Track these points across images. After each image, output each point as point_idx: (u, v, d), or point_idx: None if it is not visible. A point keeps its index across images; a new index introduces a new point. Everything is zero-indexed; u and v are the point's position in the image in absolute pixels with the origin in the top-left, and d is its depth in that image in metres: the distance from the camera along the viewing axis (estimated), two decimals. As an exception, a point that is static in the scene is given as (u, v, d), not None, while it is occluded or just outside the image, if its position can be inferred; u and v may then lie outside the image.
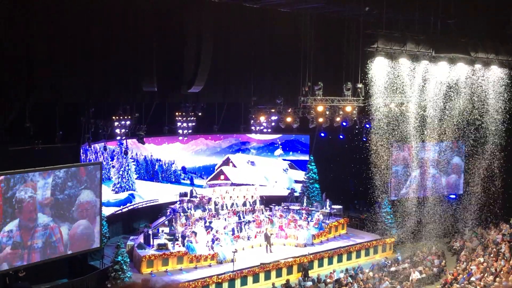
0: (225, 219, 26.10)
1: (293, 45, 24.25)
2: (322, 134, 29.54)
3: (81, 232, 18.85)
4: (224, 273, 22.10)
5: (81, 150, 22.61)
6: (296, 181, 31.70)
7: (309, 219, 27.40)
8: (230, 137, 30.91)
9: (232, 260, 22.68)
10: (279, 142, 31.79)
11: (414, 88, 23.98)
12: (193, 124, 26.98)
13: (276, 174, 31.84)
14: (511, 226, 26.64)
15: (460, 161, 30.46)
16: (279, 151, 31.85)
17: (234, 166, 30.97)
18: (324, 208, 28.30)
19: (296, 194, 30.79)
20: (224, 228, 25.16)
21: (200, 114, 27.24)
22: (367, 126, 26.98)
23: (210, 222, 25.52)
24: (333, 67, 24.44)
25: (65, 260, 21.03)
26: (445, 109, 26.01)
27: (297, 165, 31.94)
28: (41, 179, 17.77)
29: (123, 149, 25.36)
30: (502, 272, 22.01)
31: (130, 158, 26.79)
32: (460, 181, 30.67)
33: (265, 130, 28.75)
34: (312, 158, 30.85)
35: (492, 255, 24.04)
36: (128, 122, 23.24)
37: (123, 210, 26.57)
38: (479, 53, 23.32)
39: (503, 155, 27.97)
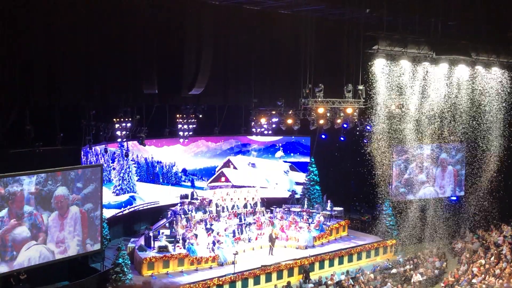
0: (226, 221, 26.08)
1: (293, 47, 24.24)
2: (323, 136, 29.53)
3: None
4: (225, 275, 22.08)
5: (82, 152, 22.62)
6: (297, 183, 31.69)
7: (310, 221, 27.36)
8: (230, 139, 30.89)
9: (233, 262, 22.67)
10: (280, 144, 31.78)
11: (414, 90, 24.00)
12: (194, 126, 26.94)
13: (277, 176, 31.83)
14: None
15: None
16: (280, 153, 31.83)
17: (235, 168, 30.96)
18: (325, 210, 28.28)
19: (297, 196, 30.78)
20: (225, 230, 25.15)
21: (200, 116, 27.20)
22: (368, 127, 26.97)
23: (211, 224, 25.52)
24: (334, 69, 24.41)
25: (65, 263, 21.04)
26: (446, 111, 26.02)
27: (298, 167, 31.92)
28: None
29: (124, 151, 25.37)
30: (503, 274, 21.98)
31: (131, 160, 26.79)
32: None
33: (265, 132, 28.73)
34: (313, 160, 30.83)
35: (493, 257, 24.00)
36: (128, 124, 23.24)
37: (124, 212, 26.57)
38: (480, 54, 23.35)
39: (505, 157, 27.97)
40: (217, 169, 30.60)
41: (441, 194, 30.37)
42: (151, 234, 23.96)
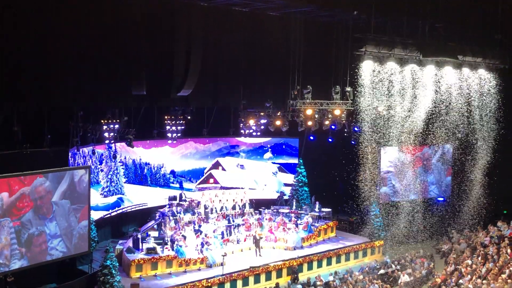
0: (215, 222, 26.06)
1: (282, 48, 24.30)
2: (311, 138, 29.64)
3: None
4: (213, 277, 22.06)
5: (70, 154, 22.49)
6: (286, 184, 31.75)
7: (298, 222, 27.42)
8: (219, 141, 30.87)
9: (222, 264, 22.67)
10: (269, 146, 31.84)
11: (402, 92, 24.17)
12: (182, 127, 26.91)
13: (266, 177, 31.86)
14: (499, 229, 26.82)
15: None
16: (268, 155, 31.88)
17: (223, 169, 30.94)
18: (313, 211, 28.37)
19: (285, 197, 30.84)
20: (214, 232, 25.13)
21: (189, 117, 27.18)
22: (356, 129, 27.10)
23: (200, 226, 25.48)
24: (322, 71, 24.52)
25: (53, 265, 20.92)
26: (433, 113, 26.24)
27: (286, 168, 31.99)
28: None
29: (112, 153, 25.25)
30: (490, 274, 22.17)
31: (119, 162, 26.65)
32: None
33: (254, 133, 28.75)
34: (301, 161, 30.91)
35: (480, 258, 24.21)
36: (116, 126, 23.18)
37: (112, 214, 26.43)
38: (467, 57, 23.57)
39: (491, 158, 28.22)
40: (205, 171, 30.56)
41: (428, 195, 30.60)
42: (139, 236, 23.89)
